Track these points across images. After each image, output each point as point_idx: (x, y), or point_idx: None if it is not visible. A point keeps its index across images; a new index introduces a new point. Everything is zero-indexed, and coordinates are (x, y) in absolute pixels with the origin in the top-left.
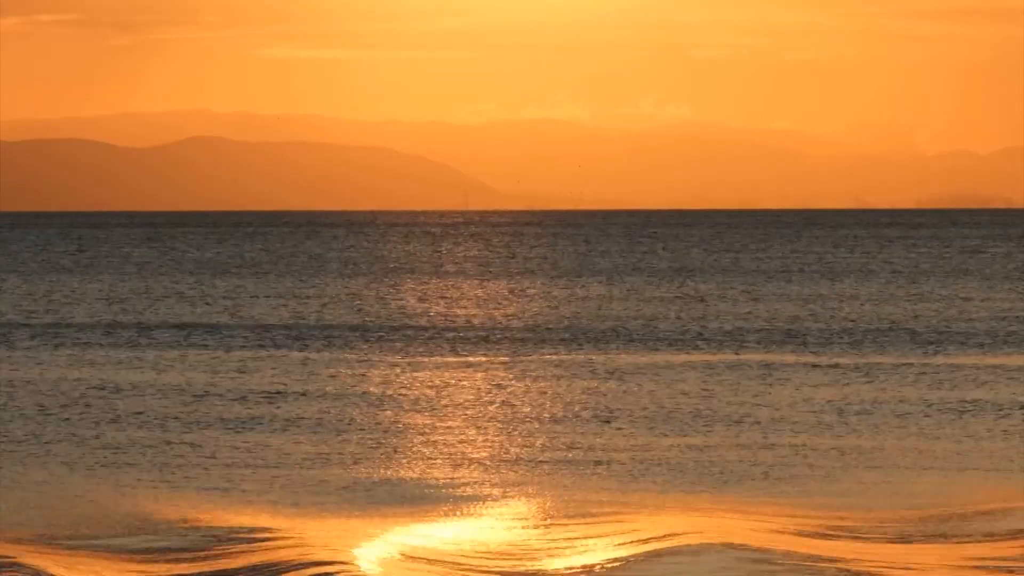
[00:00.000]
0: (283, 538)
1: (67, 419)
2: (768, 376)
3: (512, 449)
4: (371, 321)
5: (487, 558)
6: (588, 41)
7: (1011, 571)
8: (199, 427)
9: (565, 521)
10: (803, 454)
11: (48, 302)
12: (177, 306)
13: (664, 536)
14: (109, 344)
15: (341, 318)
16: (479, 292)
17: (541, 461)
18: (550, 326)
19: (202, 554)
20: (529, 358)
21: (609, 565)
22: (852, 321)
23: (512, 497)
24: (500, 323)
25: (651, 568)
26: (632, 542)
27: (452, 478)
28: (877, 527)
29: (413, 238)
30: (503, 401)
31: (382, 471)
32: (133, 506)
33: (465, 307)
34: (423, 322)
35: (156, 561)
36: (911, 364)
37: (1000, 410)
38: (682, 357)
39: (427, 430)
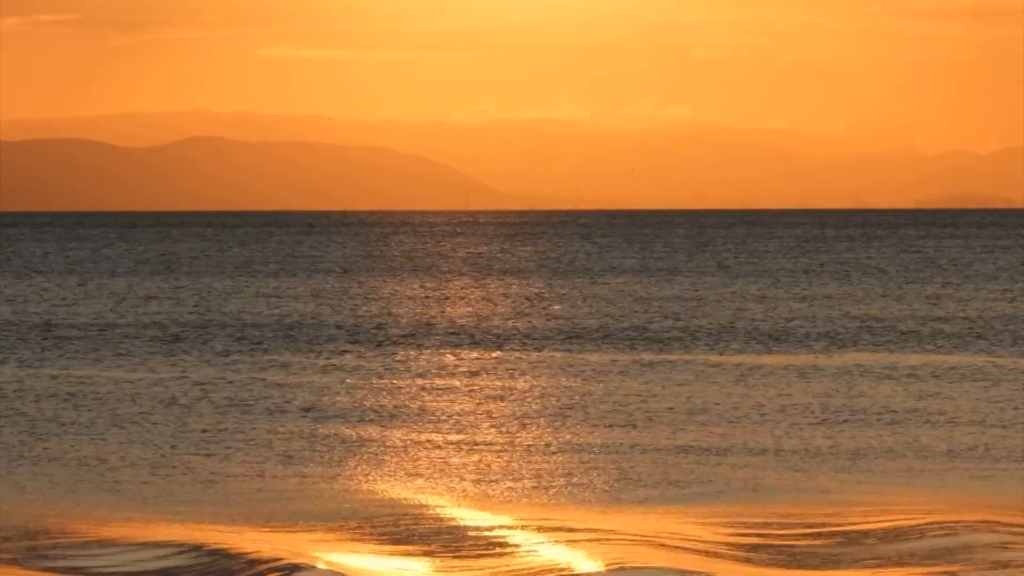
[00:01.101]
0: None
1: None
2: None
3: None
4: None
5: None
6: (588, 41)
7: None
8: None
9: (815, 514)
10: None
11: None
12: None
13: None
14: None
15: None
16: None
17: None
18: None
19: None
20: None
21: (884, 536)
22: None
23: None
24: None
25: (923, 543)
26: (881, 525)
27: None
28: None
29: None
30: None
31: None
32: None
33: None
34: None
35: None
36: None
37: None
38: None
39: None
